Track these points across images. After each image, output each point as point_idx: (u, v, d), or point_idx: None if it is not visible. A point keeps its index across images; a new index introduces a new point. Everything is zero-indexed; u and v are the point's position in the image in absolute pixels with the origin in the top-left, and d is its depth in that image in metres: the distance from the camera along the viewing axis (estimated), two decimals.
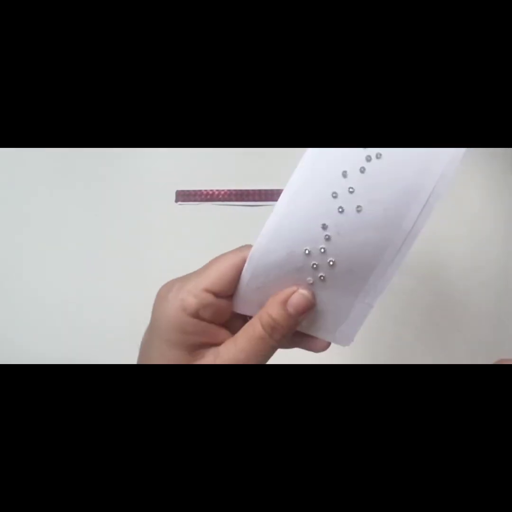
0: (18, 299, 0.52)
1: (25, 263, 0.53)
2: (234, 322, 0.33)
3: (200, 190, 0.54)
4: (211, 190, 0.53)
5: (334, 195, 0.30)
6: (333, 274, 0.31)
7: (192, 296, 0.30)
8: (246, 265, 0.31)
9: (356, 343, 0.34)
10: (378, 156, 0.31)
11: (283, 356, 0.44)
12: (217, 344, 0.32)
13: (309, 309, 0.32)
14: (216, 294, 0.31)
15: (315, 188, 0.30)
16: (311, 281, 0.31)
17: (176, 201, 0.54)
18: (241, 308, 0.33)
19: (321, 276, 0.31)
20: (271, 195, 0.52)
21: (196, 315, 0.31)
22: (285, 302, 0.31)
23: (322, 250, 0.30)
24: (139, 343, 0.34)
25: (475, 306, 0.49)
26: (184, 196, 0.54)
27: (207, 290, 0.31)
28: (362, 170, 0.30)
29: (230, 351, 0.32)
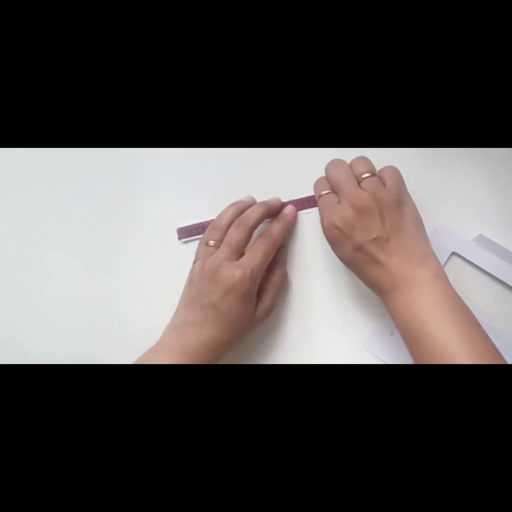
0: (23, 306, 0.54)
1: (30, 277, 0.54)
2: None
3: (201, 222, 0.51)
4: (212, 220, 0.48)
5: None
6: None
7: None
8: None
9: None
10: None
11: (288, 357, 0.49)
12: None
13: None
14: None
15: None
16: None
17: (179, 239, 0.52)
18: None
19: None
20: None
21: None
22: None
23: None
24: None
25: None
26: (186, 232, 0.52)
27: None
28: None
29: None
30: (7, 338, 0.54)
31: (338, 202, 0.43)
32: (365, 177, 0.43)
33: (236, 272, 0.43)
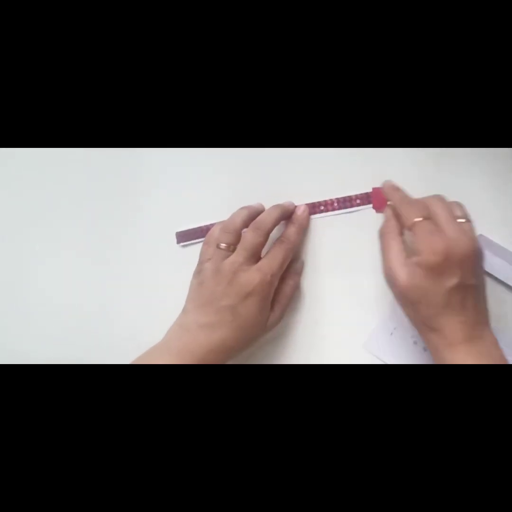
0: (28, 308, 0.54)
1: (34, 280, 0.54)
2: None
3: (199, 227, 0.51)
4: (211, 224, 0.50)
5: None
6: None
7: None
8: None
9: None
10: None
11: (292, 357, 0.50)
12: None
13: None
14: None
15: None
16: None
17: (178, 242, 0.52)
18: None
19: None
20: None
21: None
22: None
23: None
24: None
25: None
26: (184, 236, 0.52)
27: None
28: None
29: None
30: (9, 339, 0.55)
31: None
32: (462, 222, 0.42)
33: (256, 276, 0.43)
